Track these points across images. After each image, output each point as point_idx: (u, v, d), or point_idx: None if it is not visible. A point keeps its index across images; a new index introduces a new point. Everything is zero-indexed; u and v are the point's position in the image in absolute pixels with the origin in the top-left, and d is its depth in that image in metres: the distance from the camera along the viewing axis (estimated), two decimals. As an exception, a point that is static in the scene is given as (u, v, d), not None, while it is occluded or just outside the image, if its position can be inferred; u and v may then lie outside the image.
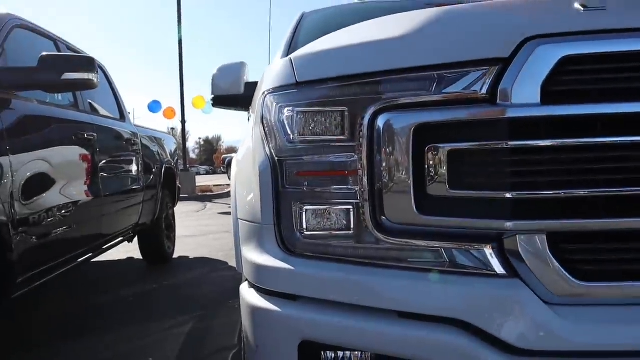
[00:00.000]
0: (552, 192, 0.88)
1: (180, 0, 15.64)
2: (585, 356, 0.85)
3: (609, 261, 0.92)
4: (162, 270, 4.92)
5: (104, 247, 3.71)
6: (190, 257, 5.59)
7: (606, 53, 0.90)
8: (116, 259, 5.50)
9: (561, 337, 0.86)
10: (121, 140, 4.08)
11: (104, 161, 3.47)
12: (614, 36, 0.91)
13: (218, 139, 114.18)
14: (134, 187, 4.24)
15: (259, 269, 1.13)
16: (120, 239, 4.13)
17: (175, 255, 5.55)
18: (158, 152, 5.17)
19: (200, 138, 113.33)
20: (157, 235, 5.08)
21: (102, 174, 3.41)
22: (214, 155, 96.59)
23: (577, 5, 0.95)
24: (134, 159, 4.31)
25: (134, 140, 4.36)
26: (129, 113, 4.86)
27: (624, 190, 0.88)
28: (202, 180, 24.10)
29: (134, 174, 4.27)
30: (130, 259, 5.55)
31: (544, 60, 0.88)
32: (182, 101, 16.11)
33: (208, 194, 16.02)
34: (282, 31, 2.89)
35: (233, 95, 2.60)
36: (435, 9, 1.08)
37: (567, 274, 0.88)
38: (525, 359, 0.88)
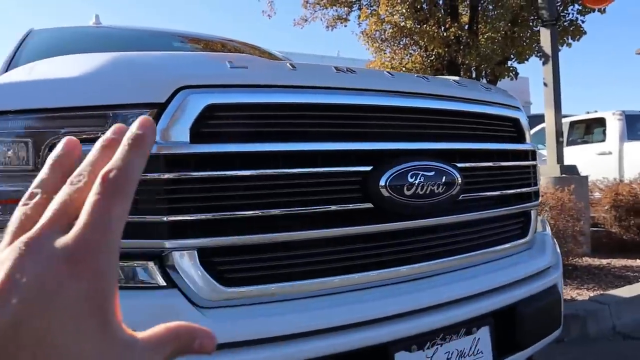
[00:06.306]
0: (198, 216, 1.07)
1: None
2: (220, 348, 1.05)
3: (251, 269, 1.14)
4: None
5: None
6: None
7: (244, 103, 1.13)
8: None
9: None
10: None
11: None
12: (254, 90, 1.16)
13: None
14: None
15: None
16: None
17: None
18: None
19: None
20: None
21: None
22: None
23: (226, 63, 1.17)
24: None
25: None
26: None
27: (258, 212, 1.11)
28: None
29: None
30: None
31: (192, 107, 1.07)
32: None
33: None
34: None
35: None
36: (111, 53, 1.20)
37: (214, 282, 1.07)
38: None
